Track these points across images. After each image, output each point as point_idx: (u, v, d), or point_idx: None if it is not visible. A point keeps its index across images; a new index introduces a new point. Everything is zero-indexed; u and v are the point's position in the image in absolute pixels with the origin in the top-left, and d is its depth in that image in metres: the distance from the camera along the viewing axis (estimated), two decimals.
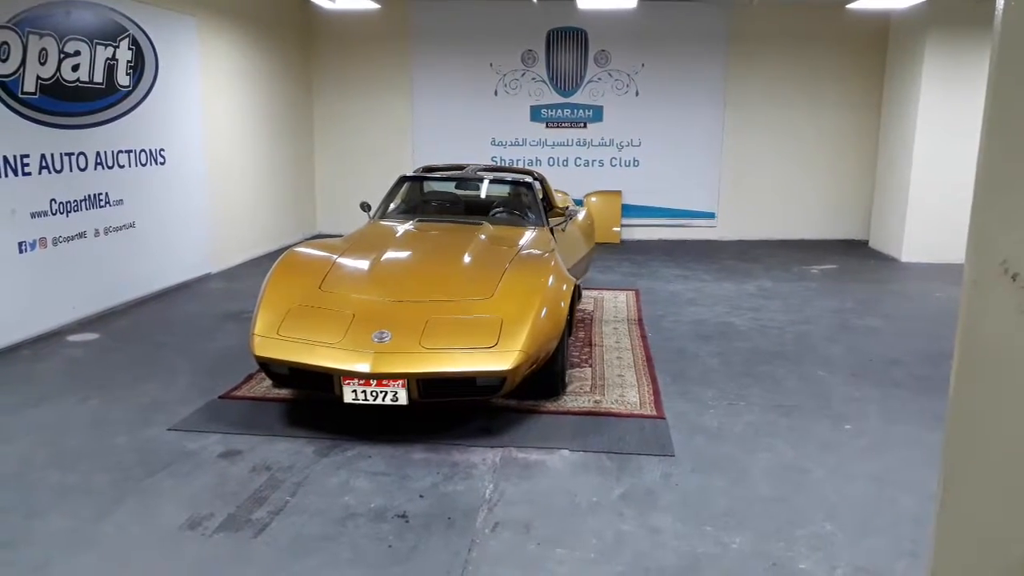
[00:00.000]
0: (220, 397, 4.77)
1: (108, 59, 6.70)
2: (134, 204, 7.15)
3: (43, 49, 5.93)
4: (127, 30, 6.94)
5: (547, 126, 11.31)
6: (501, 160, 11.25)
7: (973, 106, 9.02)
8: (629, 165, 11.34)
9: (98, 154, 6.64)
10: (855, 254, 10.26)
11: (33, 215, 5.94)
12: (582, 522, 3.34)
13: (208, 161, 8.42)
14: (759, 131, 11.13)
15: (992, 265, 1.10)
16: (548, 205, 6.67)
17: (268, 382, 4.82)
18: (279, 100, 10.27)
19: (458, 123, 11.27)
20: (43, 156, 6.01)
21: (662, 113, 11.13)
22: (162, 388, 4.94)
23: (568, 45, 11.09)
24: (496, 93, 11.24)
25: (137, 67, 7.12)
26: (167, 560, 3.04)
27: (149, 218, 7.38)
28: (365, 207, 6.59)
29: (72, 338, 6.03)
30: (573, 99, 11.22)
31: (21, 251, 5.85)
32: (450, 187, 6.93)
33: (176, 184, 7.81)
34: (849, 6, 9.31)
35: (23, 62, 5.74)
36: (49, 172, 6.08)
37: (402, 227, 5.80)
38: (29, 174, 5.88)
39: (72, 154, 6.33)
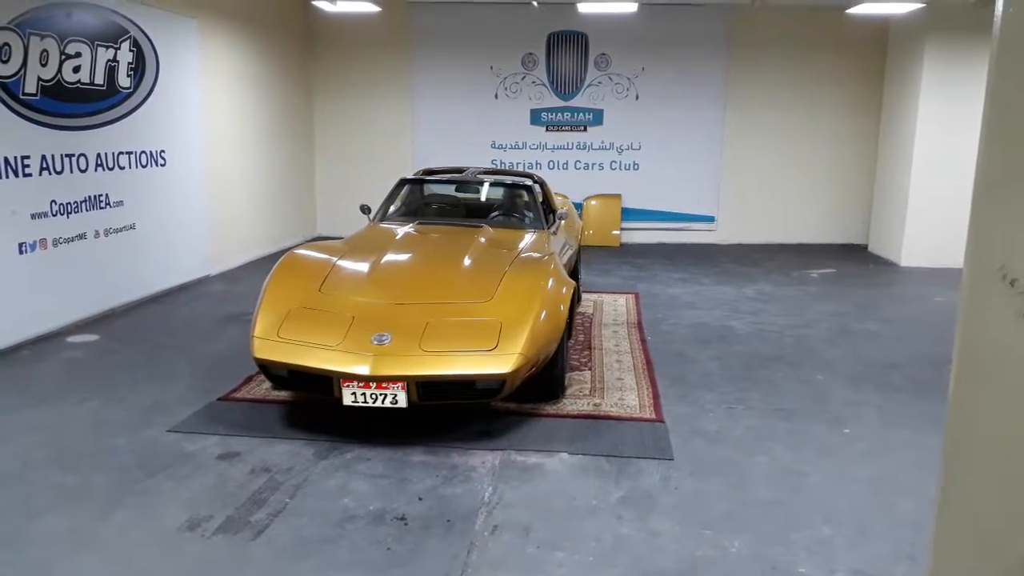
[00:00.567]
0: (219, 399, 4.77)
1: (109, 61, 6.70)
2: (134, 206, 7.15)
3: (44, 50, 5.94)
4: (128, 32, 6.95)
5: (547, 129, 11.32)
6: (501, 163, 11.26)
7: (972, 110, 9.00)
8: (629, 169, 11.35)
9: (99, 155, 6.65)
10: (854, 258, 10.27)
11: (33, 216, 5.94)
12: (581, 525, 3.34)
13: (208, 163, 8.43)
14: (759, 135, 11.14)
15: (990, 270, 1.10)
16: (548, 208, 6.68)
17: (267, 384, 4.82)
18: (279, 102, 10.28)
19: (458, 126, 11.28)
20: (44, 157, 6.01)
21: (662, 117, 11.14)
22: (162, 390, 4.94)
23: (568, 49, 11.10)
24: (496, 96, 11.26)
25: (138, 69, 7.13)
26: (166, 561, 3.04)
27: (149, 220, 7.38)
28: (365, 209, 6.60)
29: (72, 339, 6.03)
30: (573, 103, 11.24)
31: (21, 252, 5.85)
32: (450, 190, 6.93)
33: (176, 186, 7.82)
34: (849, 11, 9.32)
35: (24, 63, 5.75)
36: (50, 173, 6.09)
37: (402, 230, 5.81)
38: (30, 175, 5.88)
39: (73, 155, 6.33)
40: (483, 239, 5.52)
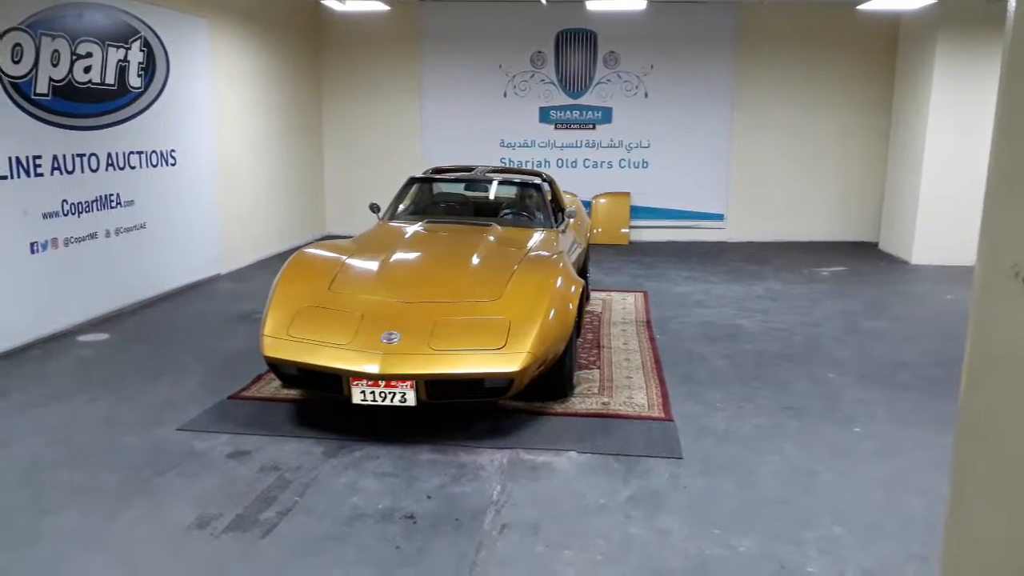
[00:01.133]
0: (229, 397, 4.79)
1: (120, 61, 6.73)
2: (145, 205, 7.18)
3: (55, 51, 5.97)
4: (139, 32, 6.98)
5: (556, 127, 11.31)
6: (510, 161, 11.25)
7: (984, 107, 8.97)
8: (638, 166, 11.33)
9: (109, 155, 6.68)
10: (865, 256, 10.22)
11: (45, 215, 5.98)
12: (590, 524, 3.33)
13: (218, 162, 8.46)
14: (768, 132, 11.10)
15: (1003, 268, 1.09)
16: (556, 207, 6.67)
17: (277, 382, 4.83)
18: (289, 101, 10.31)
19: (467, 124, 11.28)
20: (55, 157, 6.04)
21: (671, 114, 11.11)
22: (172, 388, 4.97)
23: (577, 46, 11.09)
24: (505, 95, 11.26)
25: (148, 69, 7.16)
26: (176, 560, 3.05)
27: (160, 219, 7.41)
28: (374, 208, 6.61)
29: (83, 338, 6.07)
30: (582, 100, 11.22)
31: (33, 251, 5.88)
32: (459, 188, 6.94)
33: (186, 185, 7.85)
34: (860, 7, 9.27)
35: (36, 63, 5.78)
36: (61, 173, 6.12)
37: (411, 228, 5.81)
38: (41, 175, 5.92)
39: (84, 155, 6.36)
40: (492, 238, 5.52)
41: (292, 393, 4.77)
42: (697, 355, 5.79)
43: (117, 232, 6.83)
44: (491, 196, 6.72)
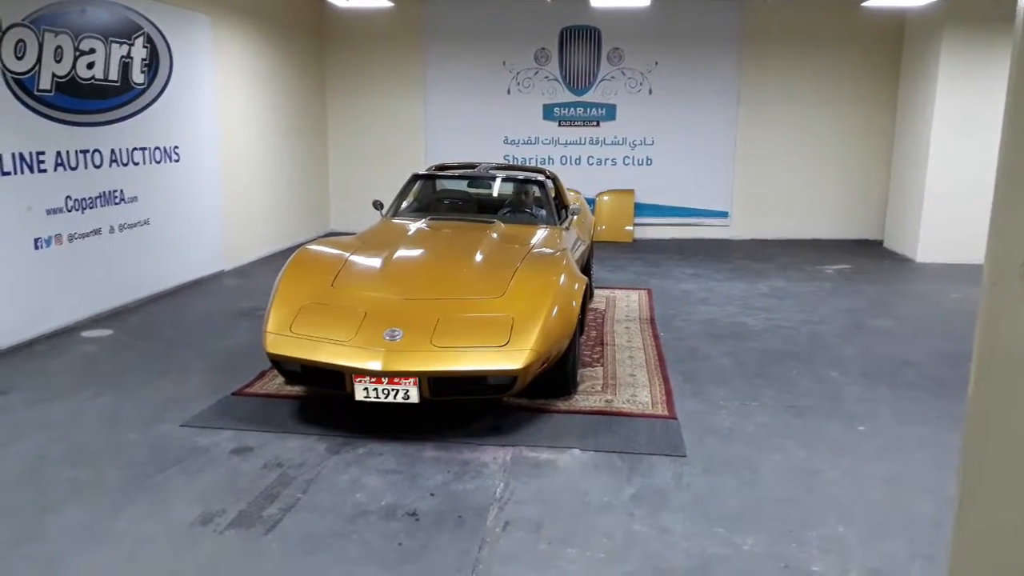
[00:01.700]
0: (233, 394, 4.79)
1: (123, 57, 6.73)
2: (148, 201, 7.19)
3: (59, 47, 5.97)
4: (142, 28, 6.98)
5: (560, 124, 11.29)
6: (514, 159, 11.24)
7: (990, 105, 8.94)
8: (642, 164, 11.31)
9: (113, 151, 6.68)
10: (870, 254, 10.19)
11: (49, 212, 5.98)
12: (593, 522, 3.33)
13: (222, 159, 8.46)
14: (773, 130, 11.07)
15: (1011, 267, 1.08)
16: (560, 204, 6.66)
17: (280, 379, 4.83)
18: (293, 98, 10.30)
19: (471, 121, 11.27)
20: (58, 153, 6.05)
21: (675, 112, 11.09)
22: (175, 384, 4.97)
23: (581, 43, 11.07)
24: (509, 91, 11.24)
25: (152, 65, 7.16)
26: (179, 556, 3.05)
27: (163, 215, 7.41)
28: (378, 205, 6.60)
29: (86, 334, 6.07)
30: (586, 97, 11.20)
31: (37, 247, 5.89)
32: (462, 185, 6.92)
33: (190, 182, 7.85)
34: (864, 3, 9.23)
35: (39, 60, 5.78)
36: (64, 169, 6.12)
37: (414, 225, 5.80)
38: (45, 171, 5.92)
39: (87, 151, 6.37)
40: (495, 235, 5.51)
41: (295, 390, 4.77)
42: (701, 353, 5.78)
43: (121, 228, 6.83)
44: (494, 193, 6.71)
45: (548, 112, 11.27)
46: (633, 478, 3.72)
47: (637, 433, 4.25)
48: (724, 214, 11.34)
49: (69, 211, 6.18)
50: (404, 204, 6.51)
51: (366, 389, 4.07)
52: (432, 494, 3.55)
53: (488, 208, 6.46)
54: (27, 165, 5.74)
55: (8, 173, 5.58)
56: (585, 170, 11.22)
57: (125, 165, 6.85)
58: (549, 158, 11.28)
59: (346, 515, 3.34)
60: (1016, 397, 1.10)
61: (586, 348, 5.73)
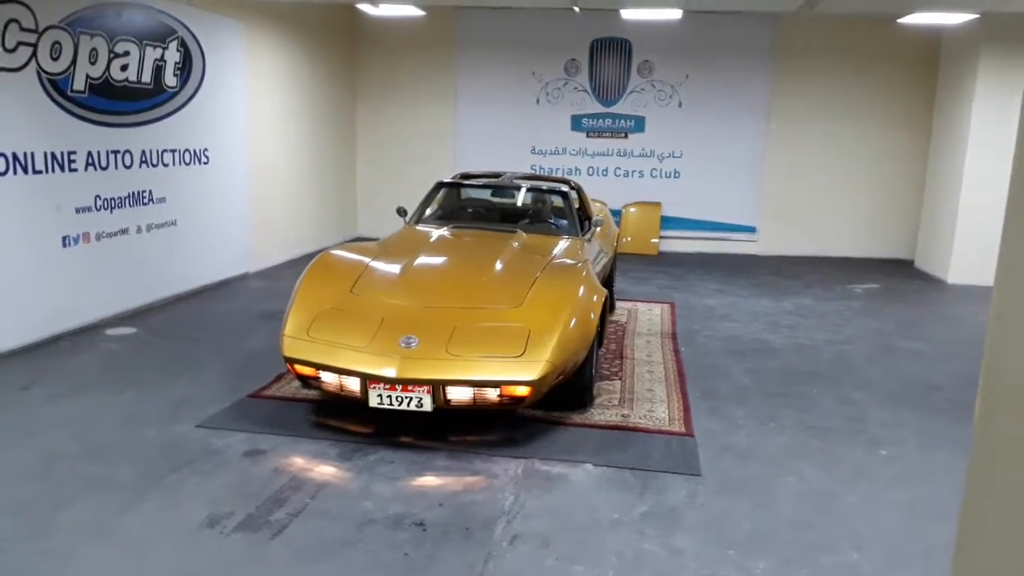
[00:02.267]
0: (249, 396, 4.81)
1: (156, 60, 6.83)
2: (176, 202, 7.27)
3: (93, 49, 6.07)
4: (176, 32, 7.08)
5: (588, 135, 11.26)
6: (541, 169, 11.22)
7: None
8: (669, 176, 11.23)
9: (143, 152, 6.77)
10: (900, 274, 10.01)
11: (78, 210, 6.07)
12: (602, 539, 3.28)
13: (251, 162, 8.54)
14: (803, 146, 10.94)
15: (1020, 299, 1.03)
16: (583, 215, 6.62)
17: (297, 382, 4.84)
18: (323, 104, 10.39)
19: (500, 131, 11.28)
20: (89, 153, 6.14)
21: (705, 125, 11.00)
22: (194, 385, 5.00)
23: (611, 55, 11.03)
24: (538, 101, 11.24)
25: (184, 68, 7.26)
26: (183, 557, 3.06)
27: (191, 217, 7.50)
28: (401, 212, 6.61)
29: (110, 332, 6.15)
30: (615, 109, 11.16)
31: (65, 245, 5.98)
32: (486, 194, 6.92)
33: (218, 184, 7.94)
34: (900, 20, 9.10)
35: (74, 61, 5.88)
36: (95, 169, 6.22)
37: (436, 233, 5.80)
38: (75, 170, 6.01)
39: (118, 152, 6.46)
40: (516, 244, 5.49)
41: (311, 393, 4.77)
42: (722, 370, 5.70)
43: (148, 228, 6.92)
44: (518, 203, 6.68)
45: (576, 123, 11.24)
46: (646, 495, 3.67)
47: (652, 450, 4.19)
48: (751, 229, 11.22)
49: (98, 210, 6.27)
50: (428, 211, 6.52)
51: (380, 396, 4.07)
52: (441, 504, 3.53)
53: (511, 218, 6.44)
54: (58, 164, 5.84)
55: (40, 172, 5.68)
56: (612, 182, 11.17)
57: (155, 166, 6.94)
58: (576, 169, 11.24)
59: (354, 523, 3.33)
60: (1020, 435, 1.05)
61: (605, 361, 5.68)
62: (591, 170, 11.26)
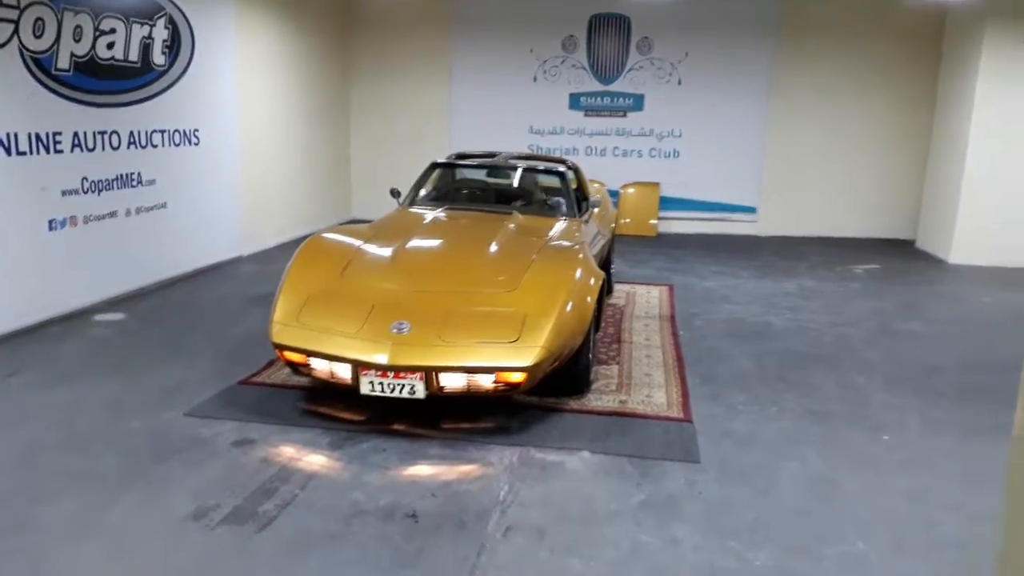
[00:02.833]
0: (239, 383, 4.71)
1: (144, 38, 6.67)
2: (166, 184, 7.13)
3: (78, 26, 5.91)
4: (164, 9, 6.90)
5: (586, 114, 11.09)
6: (538, 148, 11.07)
7: None
8: (669, 156, 11.08)
9: (131, 133, 6.63)
10: (901, 254, 9.89)
11: (64, 193, 5.94)
12: (598, 530, 3.19)
13: (243, 143, 8.39)
14: (805, 124, 10.78)
15: None
16: (581, 195, 6.50)
17: (288, 369, 4.74)
18: (316, 83, 10.21)
19: (496, 110, 11.11)
20: (75, 134, 6.00)
21: (705, 103, 10.83)
22: (183, 371, 4.90)
23: (610, 32, 10.84)
24: (535, 79, 11.06)
25: (173, 46, 7.09)
26: (167, 552, 2.97)
27: (181, 199, 7.36)
28: (395, 193, 6.48)
29: (99, 317, 6.04)
30: (613, 87, 10.99)
31: (51, 229, 5.85)
32: (481, 175, 6.79)
33: (209, 165, 7.79)
34: None
35: (57, 38, 5.72)
36: (81, 150, 6.08)
37: (430, 214, 5.68)
38: (61, 152, 5.88)
39: (105, 132, 6.32)
40: (512, 226, 5.37)
41: (302, 380, 4.67)
42: (722, 353, 5.61)
43: (137, 211, 6.78)
44: (514, 183, 6.55)
45: (575, 101, 11.07)
46: (643, 484, 3.58)
47: (650, 436, 4.10)
48: (752, 210, 11.09)
49: (85, 193, 6.14)
50: (422, 192, 6.39)
51: (371, 383, 3.97)
52: (433, 494, 3.44)
53: (507, 198, 6.32)
54: (43, 145, 5.70)
55: (24, 153, 5.54)
56: (610, 161, 11.02)
57: (143, 147, 6.80)
58: (574, 148, 11.09)
59: (343, 515, 3.24)
60: None
61: (602, 345, 5.58)
62: (589, 149, 11.11)
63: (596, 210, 6.34)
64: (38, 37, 5.57)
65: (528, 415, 4.31)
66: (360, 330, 4.08)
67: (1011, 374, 4.69)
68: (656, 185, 10.98)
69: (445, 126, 11.22)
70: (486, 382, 4.02)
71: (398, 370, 3.93)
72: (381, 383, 3.96)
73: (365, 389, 3.99)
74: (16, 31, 5.37)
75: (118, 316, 6.09)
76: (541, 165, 6.68)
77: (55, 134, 5.81)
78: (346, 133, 11.37)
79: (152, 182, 6.93)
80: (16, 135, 5.46)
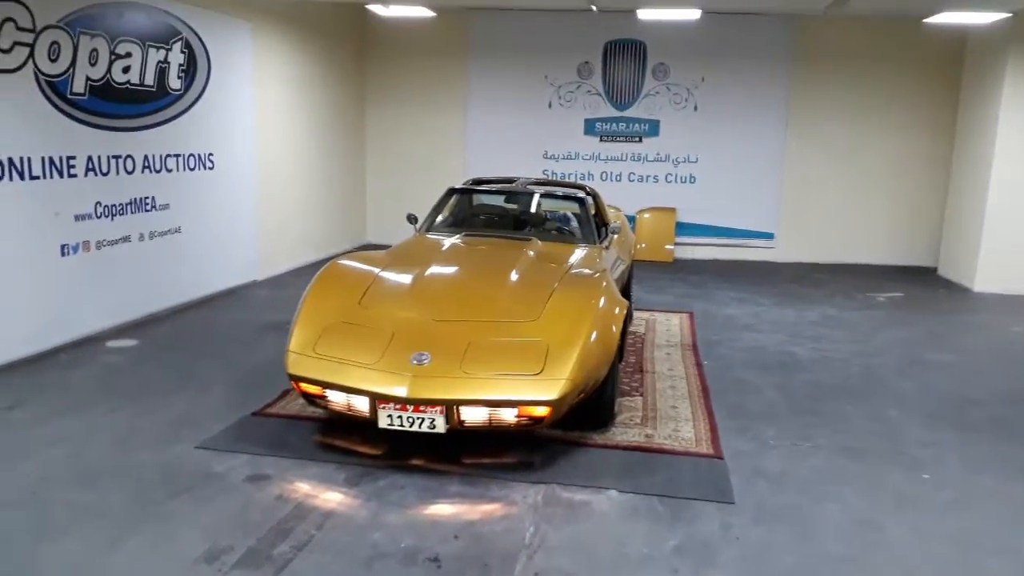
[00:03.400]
0: (253, 414, 4.57)
1: (160, 62, 6.62)
2: (181, 209, 7.05)
3: (94, 50, 5.86)
4: (180, 33, 6.86)
5: (601, 140, 11.01)
6: (553, 174, 10.98)
7: None
8: (685, 181, 10.97)
9: (146, 157, 6.56)
10: (923, 282, 9.71)
11: (77, 218, 5.85)
12: None
13: (258, 167, 8.33)
14: (823, 150, 10.66)
15: None
16: (600, 221, 6.37)
17: (302, 399, 4.60)
18: (332, 108, 10.17)
19: (511, 135, 11.05)
20: (89, 158, 5.93)
21: (721, 129, 10.74)
22: (195, 401, 4.77)
23: (626, 58, 10.79)
24: (550, 105, 10.99)
25: (189, 71, 7.04)
26: None
27: (195, 224, 7.28)
28: (412, 219, 6.37)
29: (111, 344, 5.92)
30: (629, 113, 10.91)
31: (64, 254, 5.76)
32: (499, 200, 6.66)
33: (224, 190, 7.72)
34: (927, 20, 8.81)
35: (73, 62, 5.67)
36: (95, 174, 6.00)
37: (448, 241, 5.56)
38: (75, 176, 5.80)
39: (119, 157, 6.24)
40: (532, 253, 5.23)
41: (318, 412, 4.52)
42: (747, 384, 5.44)
43: (151, 236, 6.69)
44: (532, 209, 6.43)
45: (590, 127, 11.00)
46: (676, 526, 3.41)
47: (680, 473, 3.93)
48: (769, 235, 10.94)
49: (98, 217, 6.06)
50: (439, 219, 6.27)
51: (390, 416, 3.83)
52: (456, 536, 3.27)
53: (525, 225, 6.19)
54: (56, 169, 5.63)
55: (37, 178, 5.47)
56: (626, 187, 10.91)
57: (158, 172, 6.73)
58: (589, 174, 11.00)
59: (362, 558, 3.08)
60: None
61: (624, 375, 5.42)
62: (605, 175, 11.01)
63: (616, 236, 6.21)
64: (53, 61, 5.52)
65: (551, 450, 4.15)
66: (379, 361, 3.94)
67: None
68: (672, 210, 10.86)
69: (460, 151, 11.15)
70: (509, 416, 3.87)
71: (418, 403, 3.78)
72: (400, 416, 3.82)
73: (384, 423, 3.85)
74: (31, 55, 5.32)
75: (130, 342, 5.97)
76: (560, 191, 6.56)
77: (69, 158, 5.73)
78: (361, 158, 11.32)
79: (166, 206, 6.85)
80: (30, 159, 5.39)
